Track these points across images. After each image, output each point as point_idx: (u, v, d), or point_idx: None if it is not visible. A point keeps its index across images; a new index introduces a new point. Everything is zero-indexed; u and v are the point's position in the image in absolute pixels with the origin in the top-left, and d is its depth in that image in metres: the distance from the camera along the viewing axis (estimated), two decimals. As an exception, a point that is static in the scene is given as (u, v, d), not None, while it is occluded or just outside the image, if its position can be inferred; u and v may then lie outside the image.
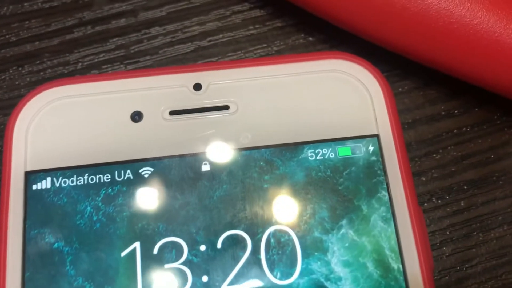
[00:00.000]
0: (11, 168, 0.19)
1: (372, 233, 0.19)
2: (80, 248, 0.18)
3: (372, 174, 0.20)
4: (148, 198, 0.19)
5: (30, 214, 0.19)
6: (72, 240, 0.18)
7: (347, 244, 0.19)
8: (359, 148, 0.20)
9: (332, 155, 0.20)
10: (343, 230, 0.19)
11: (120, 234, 0.19)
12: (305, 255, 0.19)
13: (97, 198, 0.19)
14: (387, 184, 0.20)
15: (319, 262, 0.19)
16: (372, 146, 0.20)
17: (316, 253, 0.19)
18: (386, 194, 0.19)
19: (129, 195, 0.19)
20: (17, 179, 0.19)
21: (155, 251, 0.19)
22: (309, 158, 0.20)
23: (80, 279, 0.18)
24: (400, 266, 0.19)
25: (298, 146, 0.20)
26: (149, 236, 0.19)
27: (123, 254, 0.18)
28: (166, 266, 0.18)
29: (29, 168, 0.19)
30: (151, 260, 0.18)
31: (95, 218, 0.19)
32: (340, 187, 0.20)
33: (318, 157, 0.20)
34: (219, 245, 0.19)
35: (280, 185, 0.20)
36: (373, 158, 0.20)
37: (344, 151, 0.20)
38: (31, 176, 0.19)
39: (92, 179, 0.19)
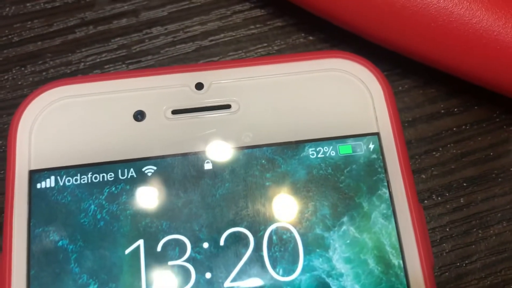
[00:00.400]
0: (16, 167, 0.19)
1: (373, 230, 0.19)
2: (85, 246, 0.19)
3: (372, 171, 0.20)
4: (152, 196, 0.19)
5: (34, 213, 0.19)
6: (76, 238, 0.19)
7: (348, 241, 0.19)
8: (360, 146, 0.20)
9: (333, 153, 0.20)
10: (344, 227, 0.19)
11: (124, 232, 0.19)
12: (307, 252, 0.19)
13: (100, 197, 0.19)
14: (388, 182, 0.20)
15: (320, 259, 0.19)
16: (372, 144, 0.20)
17: (317, 250, 0.19)
18: (387, 191, 0.20)
19: (132, 193, 0.19)
20: (21, 178, 0.19)
21: (159, 248, 0.19)
22: (311, 156, 0.20)
23: (85, 277, 0.18)
24: (401, 262, 0.19)
25: (299, 145, 0.20)
26: (153, 234, 0.19)
27: (127, 251, 0.19)
28: (170, 263, 0.19)
29: (33, 167, 0.19)
30: (155, 258, 0.19)
31: (99, 216, 0.19)
32: (341, 184, 0.20)
33: (319, 155, 0.20)
34: (222, 243, 0.19)
35: (282, 183, 0.20)
36: (374, 156, 0.20)
37: (345, 149, 0.20)
38: (35, 175, 0.19)
39: (95, 178, 0.19)
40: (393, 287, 0.19)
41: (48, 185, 0.19)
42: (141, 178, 0.20)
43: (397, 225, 0.19)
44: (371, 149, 0.20)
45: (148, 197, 0.19)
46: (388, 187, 0.20)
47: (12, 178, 0.19)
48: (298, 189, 0.20)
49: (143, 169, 0.20)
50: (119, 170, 0.20)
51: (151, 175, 0.20)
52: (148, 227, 0.19)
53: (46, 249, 0.19)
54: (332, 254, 0.19)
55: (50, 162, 0.20)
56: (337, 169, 0.20)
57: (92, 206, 0.19)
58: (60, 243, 0.19)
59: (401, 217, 0.19)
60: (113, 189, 0.19)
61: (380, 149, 0.20)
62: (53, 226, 0.19)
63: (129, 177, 0.20)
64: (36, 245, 0.19)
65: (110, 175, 0.20)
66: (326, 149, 0.20)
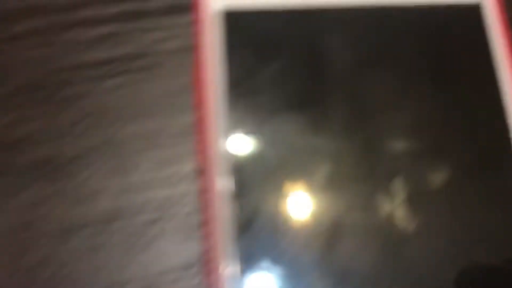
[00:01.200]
0: (207, 8, 0.21)
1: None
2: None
3: (475, 40, 0.22)
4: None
5: (228, 48, 0.21)
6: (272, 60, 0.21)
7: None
8: (461, 15, 0.22)
9: (436, 19, 0.22)
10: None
11: None
12: None
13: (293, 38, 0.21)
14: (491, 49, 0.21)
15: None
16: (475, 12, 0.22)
17: None
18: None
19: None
20: (213, 19, 0.21)
21: None
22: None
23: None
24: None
25: None
26: None
27: None
28: None
29: (225, 8, 0.21)
30: None
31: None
32: (445, 51, 0.22)
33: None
34: None
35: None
36: (476, 24, 0.22)
37: (446, 16, 0.22)
38: (228, 14, 0.21)
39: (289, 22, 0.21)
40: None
41: (241, 25, 0.21)
42: None
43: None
44: (474, 18, 0.22)
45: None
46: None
47: (204, 19, 0.21)
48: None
49: None
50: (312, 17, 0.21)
51: None
52: None
53: (240, 74, 0.20)
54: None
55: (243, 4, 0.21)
56: (439, 36, 0.22)
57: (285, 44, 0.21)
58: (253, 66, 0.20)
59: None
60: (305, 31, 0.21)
61: (481, 19, 0.22)
62: (247, 57, 0.21)
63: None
64: (232, 72, 0.21)
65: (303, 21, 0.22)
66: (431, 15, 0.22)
